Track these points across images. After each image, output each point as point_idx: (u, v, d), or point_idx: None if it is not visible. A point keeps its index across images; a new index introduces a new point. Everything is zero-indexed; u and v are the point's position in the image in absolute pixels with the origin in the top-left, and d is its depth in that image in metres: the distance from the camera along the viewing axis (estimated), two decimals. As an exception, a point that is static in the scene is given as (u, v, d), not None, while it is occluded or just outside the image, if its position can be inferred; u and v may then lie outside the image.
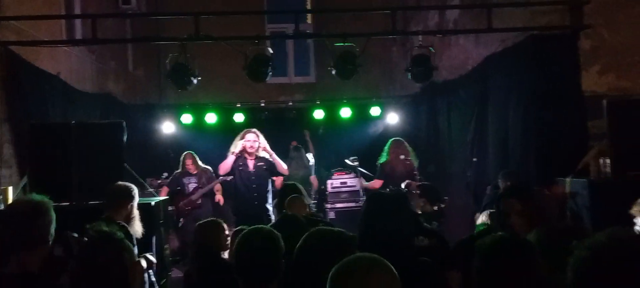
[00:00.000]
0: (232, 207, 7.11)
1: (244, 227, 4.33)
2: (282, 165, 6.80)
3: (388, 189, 6.50)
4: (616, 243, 1.30)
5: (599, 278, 1.27)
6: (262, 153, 6.68)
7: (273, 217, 6.63)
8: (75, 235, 2.49)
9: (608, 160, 4.76)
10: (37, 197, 2.44)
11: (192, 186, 7.87)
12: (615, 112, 4.80)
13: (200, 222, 4.02)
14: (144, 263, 3.81)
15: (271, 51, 6.04)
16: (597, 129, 5.31)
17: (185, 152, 7.97)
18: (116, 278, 1.91)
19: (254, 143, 6.64)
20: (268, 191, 6.79)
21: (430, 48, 5.95)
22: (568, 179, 4.94)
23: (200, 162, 7.95)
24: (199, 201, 7.84)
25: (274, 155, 6.74)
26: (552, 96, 5.49)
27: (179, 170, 7.93)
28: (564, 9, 5.54)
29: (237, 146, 6.68)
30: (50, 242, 2.37)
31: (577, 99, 5.46)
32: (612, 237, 1.32)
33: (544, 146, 5.48)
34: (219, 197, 7.90)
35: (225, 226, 4.10)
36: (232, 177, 7.03)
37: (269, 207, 6.73)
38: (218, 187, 7.87)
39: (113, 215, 3.68)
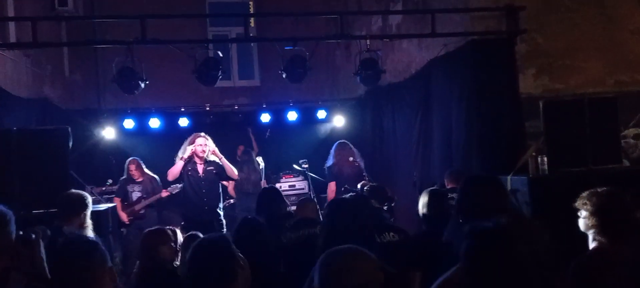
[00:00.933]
0: (182, 213, 6.94)
1: (196, 233, 4.31)
2: (232, 170, 6.77)
3: (343, 188, 6.62)
4: None
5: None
6: (211, 157, 6.63)
7: (224, 222, 6.60)
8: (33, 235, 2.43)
9: (545, 158, 5.05)
10: None
11: (136, 195, 7.66)
12: (551, 113, 5.11)
13: (148, 229, 3.95)
14: None
15: (221, 54, 6.00)
16: (533, 129, 5.64)
17: (130, 158, 7.76)
18: (90, 281, 1.87)
19: (204, 147, 6.58)
20: (219, 195, 6.76)
21: (378, 52, 6.10)
22: (509, 177, 5.21)
23: (145, 169, 7.74)
24: (142, 211, 7.63)
25: (224, 159, 6.70)
26: (491, 98, 5.77)
27: (124, 177, 7.72)
28: (501, 14, 5.83)
29: (186, 151, 6.58)
30: (8, 254, 2.29)
31: (514, 100, 5.77)
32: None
33: (485, 146, 5.74)
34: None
35: (175, 233, 4.03)
36: (180, 186, 6.99)
37: (220, 211, 6.69)
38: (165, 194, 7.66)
39: (65, 223, 3.56)
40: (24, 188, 4.43)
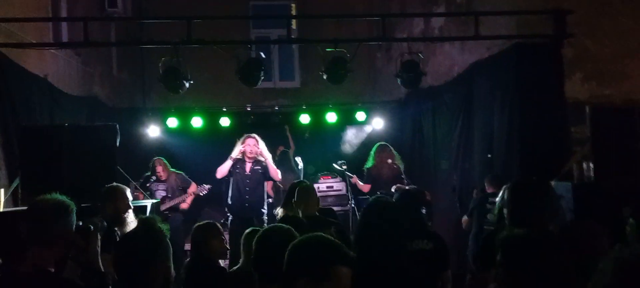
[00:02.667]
0: (227, 209, 7.11)
1: (256, 228, 4.41)
2: (276, 171, 6.92)
3: (378, 193, 6.61)
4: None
5: None
6: (260, 158, 6.85)
7: (266, 220, 6.75)
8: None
9: (591, 165, 4.93)
10: (61, 196, 2.46)
11: (160, 194, 7.46)
12: (598, 119, 4.99)
13: (199, 223, 4.05)
14: None
15: (263, 55, 6.09)
16: (579, 135, 5.50)
17: (156, 157, 7.64)
18: (146, 264, 1.94)
19: (253, 147, 6.80)
20: (263, 194, 6.96)
21: (420, 54, 6.07)
22: (552, 182, 5.09)
23: (171, 169, 7.63)
24: (167, 212, 7.38)
25: (269, 160, 6.87)
26: (536, 102, 5.66)
27: (148, 174, 7.57)
28: (548, 18, 5.71)
29: (236, 151, 6.81)
30: (66, 243, 2.40)
31: (560, 105, 5.64)
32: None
33: (528, 150, 5.64)
34: (185, 205, 7.58)
35: (221, 231, 4.13)
36: (208, 187, 7.38)
37: (264, 210, 6.87)
38: (189, 197, 7.59)
39: (101, 213, 3.74)
40: (73, 181, 4.58)
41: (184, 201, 7.53)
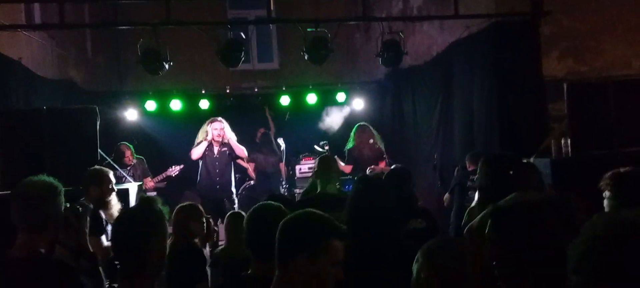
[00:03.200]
0: (197, 191, 7.23)
1: (239, 211, 4.38)
2: (242, 149, 7.12)
3: (359, 174, 6.65)
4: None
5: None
6: (225, 140, 6.99)
7: (236, 200, 6.95)
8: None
9: (568, 140, 5.04)
10: (48, 178, 2.43)
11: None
12: (575, 95, 5.10)
13: (181, 204, 4.04)
14: None
15: (244, 36, 6.05)
16: (557, 111, 5.62)
17: (121, 143, 7.46)
18: (142, 243, 1.94)
19: (221, 130, 6.93)
20: (231, 175, 7.13)
21: (400, 33, 6.09)
22: (531, 159, 5.20)
23: (135, 155, 7.43)
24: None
25: (232, 141, 7.02)
26: (514, 80, 5.76)
27: (112, 159, 7.11)
28: (525, -4, 5.78)
29: (208, 133, 6.89)
30: (58, 225, 2.38)
31: (538, 82, 5.75)
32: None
33: (508, 128, 5.74)
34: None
35: (203, 213, 4.11)
36: (178, 168, 7.39)
37: (233, 190, 7.10)
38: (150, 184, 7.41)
39: (84, 195, 3.71)
40: (55, 165, 4.50)
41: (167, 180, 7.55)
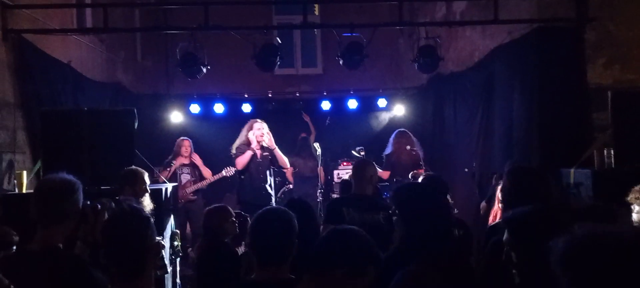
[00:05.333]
0: (238, 195, 7.15)
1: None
2: (284, 160, 6.95)
3: (395, 180, 6.60)
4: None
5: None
6: (265, 143, 6.85)
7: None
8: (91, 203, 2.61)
9: (612, 151, 4.81)
10: (67, 175, 2.54)
11: (185, 178, 7.60)
12: (620, 104, 4.85)
13: (209, 207, 4.13)
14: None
15: (279, 41, 6.11)
16: (601, 121, 5.37)
17: (183, 137, 7.68)
18: (136, 251, 1.99)
19: (261, 131, 6.80)
20: (271, 180, 7.03)
21: (437, 39, 5.99)
22: (572, 169, 4.99)
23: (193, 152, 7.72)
24: (194, 196, 7.59)
25: (277, 150, 6.87)
26: (557, 87, 5.54)
27: (171, 157, 7.62)
28: (570, 1, 5.57)
29: (251, 141, 6.75)
30: (74, 221, 2.48)
31: (582, 90, 5.51)
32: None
33: (548, 137, 5.53)
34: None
35: (232, 213, 4.21)
36: (234, 169, 7.22)
37: (272, 193, 6.98)
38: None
39: (120, 194, 3.83)
40: (93, 165, 4.72)
41: (206, 184, 7.63)
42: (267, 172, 6.90)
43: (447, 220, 2.78)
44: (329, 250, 1.99)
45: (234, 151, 6.93)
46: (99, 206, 2.66)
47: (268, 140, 6.81)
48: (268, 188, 6.86)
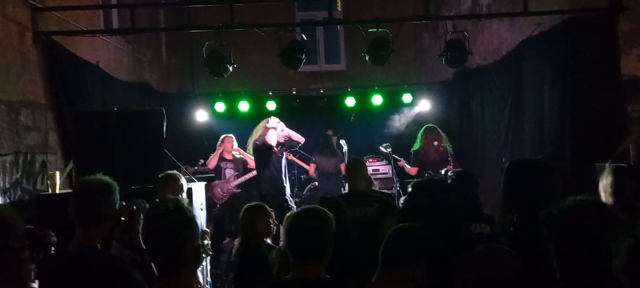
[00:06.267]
0: (260, 190, 7.35)
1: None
2: (298, 136, 7.51)
3: (426, 174, 6.54)
4: None
5: None
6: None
7: (292, 202, 7.16)
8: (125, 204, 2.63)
9: (648, 144, 4.68)
10: (104, 177, 2.56)
11: (229, 172, 7.93)
12: (656, 95, 4.72)
13: (249, 204, 4.11)
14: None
15: (304, 37, 6.09)
16: (636, 113, 5.24)
17: (226, 135, 8.00)
18: (175, 251, 1.99)
19: (279, 128, 7.20)
20: (287, 176, 7.42)
21: (465, 32, 5.90)
22: (607, 164, 4.87)
23: (237, 147, 8.05)
24: (239, 190, 7.94)
25: (291, 133, 7.41)
26: (589, 80, 5.41)
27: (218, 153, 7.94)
28: (602, -10, 5.43)
29: (276, 137, 7.09)
30: (112, 222, 2.50)
31: (615, 82, 5.37)
32: None
33: (581, 130, 5.41)
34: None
35: (270, 213, 4.19)
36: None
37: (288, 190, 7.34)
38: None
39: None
40: (123, 164, 4.76)
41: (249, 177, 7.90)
42: (286, 170, 7.29)
43: (452, 218, 2.73)
44: (413, 248, 2.24)
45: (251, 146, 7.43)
46: (134, 208, 2.68)
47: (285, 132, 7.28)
48: (284, 179, 7.21)
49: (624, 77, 5.33)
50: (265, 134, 7.13)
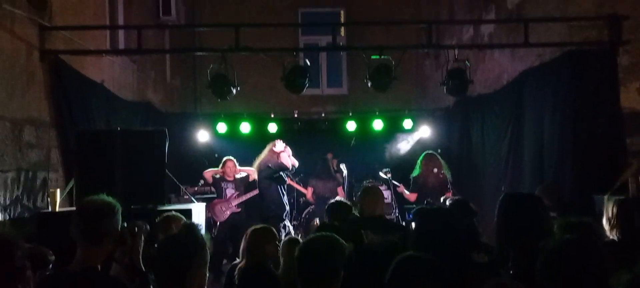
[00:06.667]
0: (263, 210, 7.48)
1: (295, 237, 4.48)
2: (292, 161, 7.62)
3: (426, 202, 6.56)
4: None
5: None
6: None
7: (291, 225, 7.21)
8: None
9: (648, 178, 4.70)
10: (107, 198, 2.58)
11: (229, 192, 8.02)
12: (655, 129, 4.76)
13: (256, 227, 4.10)
14: None
15: (308, 63, 6.15)
16: (636, 146, 5.27)
17: (228, 157, 8.13)
18: (178, 276, 2.00)
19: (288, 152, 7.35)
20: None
21: (466, 61, 5.97)
22: (606, 196, 4.88)
23: (239, 168, 8.15)
24: (237, 209, 7.99)
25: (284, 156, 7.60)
26: (589, 111, 5.45)
27: (218, 177, 8.08)
28: (602, 24, 5.50)
29: (286, 160, 7.40)
30: (113, 243, 2.52)
31: (615, 114, 5.41)
32: None
33: (581, 162, 5.43)
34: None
35: (276, 235, 4.17)
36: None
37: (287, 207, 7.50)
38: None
39: None
40: (124, 184, 4.78)
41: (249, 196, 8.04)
42: (282, 188, 7.49)
43: (459, 247, 2.80)
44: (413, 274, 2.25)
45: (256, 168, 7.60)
46: (136, 229, 2.70)
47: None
48: (284, 202, 7.39)
49: (623, 110, 5.38)
50: (272, 157, 7.21)
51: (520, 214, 2.76)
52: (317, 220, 7.57)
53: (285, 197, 7.47)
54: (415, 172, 7.51)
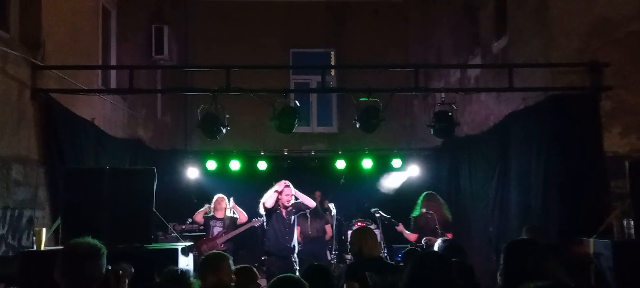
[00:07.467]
0: (266, 247, 7.46)
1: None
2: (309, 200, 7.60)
3: (417, 244, 6.56)
4: None
5: None
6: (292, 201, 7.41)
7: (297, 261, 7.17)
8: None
9: (632, 221, 4.76)
10: (93, 240, 2.59)
11: (216, 230, 8.02)
12: (638, 173, 4.84)
13: (240, 267, 4.13)
14: None
15: (298, 103, 6.24)
16: (619, 189, 5.34)
17: (219, 195, 8.17)
18: None
19: (291, 196, 7.37)
20: (294, 237, 7.50)
21: (453, 105, 6.08)
22: (592, 239, 4.94)
23: (228, 207, 8.17)
24: (223, 246, 7.91)
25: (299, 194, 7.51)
26: (573, 155, 5.56)
27: (211, 214, 8.12)
28: (584, 69, 5.65)
29: (280, 199, 7.35)
30: (98, 285, 2.52)
31: (598, 158, 5.52)
32: None
33: (566, 205, 5.51)
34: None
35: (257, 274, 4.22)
36: (262, 220, 7.77)
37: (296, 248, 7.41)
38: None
39: None
40: (112, 223, 4.75)
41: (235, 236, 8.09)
42: (293, 228, 7.41)
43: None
44: None
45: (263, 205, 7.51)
46: (121, 271, 2.70)
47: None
48: (293, 241, 7.33)
49: (606, 154, 5.49)
50: (273, 196, 7.31)
51: (525, 259, 2.91)
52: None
53: (289, 235, 7.35)
54: (416, 212, 7.46)
